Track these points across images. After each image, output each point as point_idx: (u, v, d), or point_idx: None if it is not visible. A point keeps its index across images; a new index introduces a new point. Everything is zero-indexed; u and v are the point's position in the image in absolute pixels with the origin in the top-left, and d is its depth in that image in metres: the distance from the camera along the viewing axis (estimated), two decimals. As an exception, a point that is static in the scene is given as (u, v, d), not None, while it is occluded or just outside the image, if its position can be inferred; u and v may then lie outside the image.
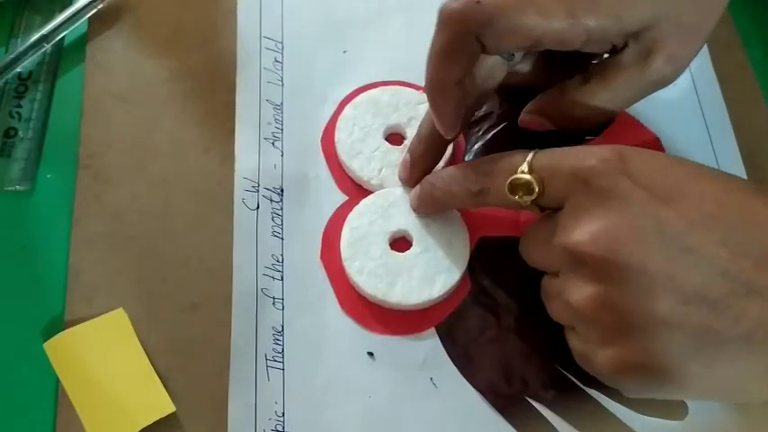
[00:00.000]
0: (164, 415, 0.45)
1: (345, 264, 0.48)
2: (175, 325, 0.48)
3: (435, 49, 0.43)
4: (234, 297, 0.48)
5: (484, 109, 0.54)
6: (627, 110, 0.53)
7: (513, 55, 0.47)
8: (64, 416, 0.45)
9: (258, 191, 0.51)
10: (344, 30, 0.58)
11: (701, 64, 0.57)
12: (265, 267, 0.49)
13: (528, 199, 0.41)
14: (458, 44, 0.42)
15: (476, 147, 0.53)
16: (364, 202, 0.50)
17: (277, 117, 0.54)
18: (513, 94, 0.55)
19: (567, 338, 0.42)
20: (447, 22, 0.42)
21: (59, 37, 0.56)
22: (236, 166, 0.52)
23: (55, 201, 0.51)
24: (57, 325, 0.47)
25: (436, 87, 0.44)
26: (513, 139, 0.53)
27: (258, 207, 0.51)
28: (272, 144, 0.53)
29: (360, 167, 0.51)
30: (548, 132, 0.52)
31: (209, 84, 0.56)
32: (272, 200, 0.51)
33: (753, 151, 0.54)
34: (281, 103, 0.55)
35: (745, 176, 0.53)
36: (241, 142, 0.53)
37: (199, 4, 0.59)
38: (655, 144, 0.53)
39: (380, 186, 0.51)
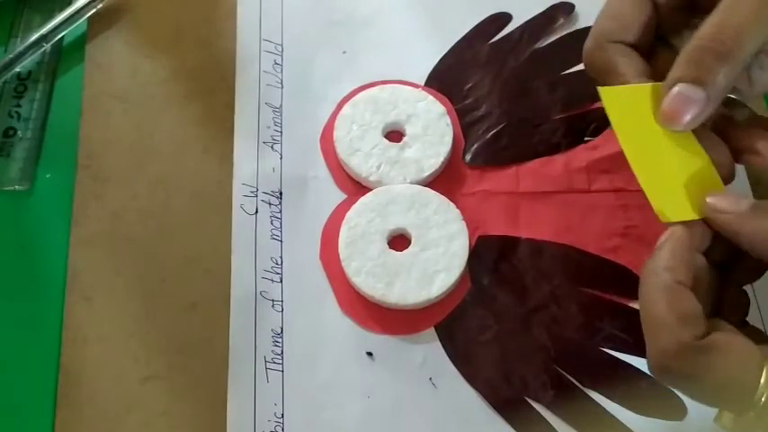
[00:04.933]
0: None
1: (343, 264, 0.48)
2: (174, 325, 0.48)
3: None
4: (232, 302, 0.48)
5: (484, 109, 0.54)
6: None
7: None
8: (63, 416, 0.45)
9: (257, 195, 0.51)
10: (344, 30, 0.58)
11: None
12: (264, 271, 0.49)
13: None
14: None
15: (475, 146, 0.53)
16: (362, 200, 0.50)
17: (276, 120, 0.54)
18: (513, 93, 0.55)
19: None
20: None
21: (59, 37, 0.56)
22: (235, 172, 0.52)
23: (54, 201, 0.51)
24: (55, 325, 0.47)
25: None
26: (514, 139, 0.53)
27: (257, 212, 0.51)
28: (271, 147, 0.53)
29: (358, 164, 0.51)
30: (549, 131, 0.52)
31: (209, 84, 0.56)
32: (270, 203, 0.51)
33: (753, 151, 0.53)
34: (281, 106, 0.55)
35: (745, 177, 0.52)
36: (239, 148, 0.53)
37: (198, 5, 0.59)
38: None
39: (379, 183, 0.51)
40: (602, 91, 0.41)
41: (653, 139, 0.40)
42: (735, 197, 0.36)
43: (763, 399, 0.32)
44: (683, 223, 0.38)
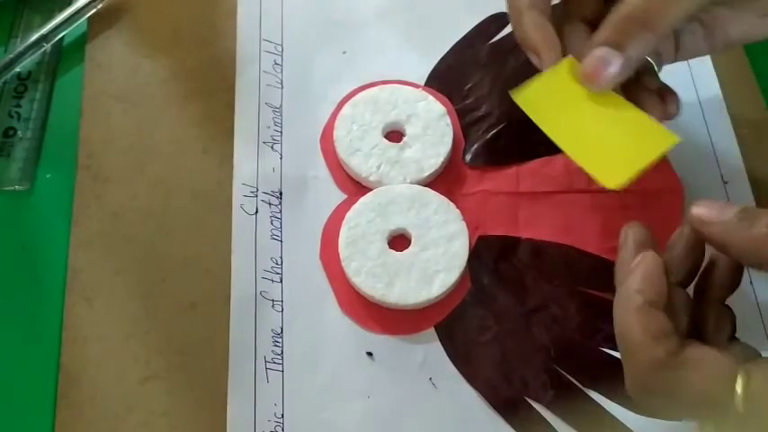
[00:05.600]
0: (671, 146, 0.42)
1: (343, 264, 0.48)
2: (174, 325, 0.48)
3: None
4: (232, 302, 0.48)
5: (484, 109, 0.54)
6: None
7: None
8: (63, 416, 0.45)
9: (257, 195, 0.51)
10: (344, 30, 0.58)
11: (702, 64, 0.56)
12: (264, 271, 0.49)
13: None
14: None
15: (475, 146, 0.53)
16: (362, 200, 0.50)
17: (276, 120, 0.54)
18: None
19: None
20: None
21: (59, 37, 0.56)
22: (235, 172, 0.52)
23: (54, 201, 0.51)
24: (55, 325, 0.47)
25: (515, 11, 0.44)
26: (514, 139, 0.53)
27: (257, 212, 0.51)
28: (272, 148, 0.53)
29: (358, 164, 0.51)
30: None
31: (209, 84, 0.56)
32: (270, 203, 0.51)
33: (753, 152, 0.54)
34: (281, 106, 0.55)
35: (745, 177, 0.53)
36: (239, 148, 0.53)
37: (198, 5, 0.59)
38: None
39: (379, 183, 0.51)
40: (514, 94, 0.44)
41: (577, 113, 0.43)
42: (720, 205, 0.36)
43: (740, 408, 0.32)
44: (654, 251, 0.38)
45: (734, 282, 0.39)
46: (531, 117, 0.44)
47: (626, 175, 0.41)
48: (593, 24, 0.44)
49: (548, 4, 0.45)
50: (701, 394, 0.33)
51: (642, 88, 0.46)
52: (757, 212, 0.35)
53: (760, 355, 0.37)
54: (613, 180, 0.40)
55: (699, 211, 0.36)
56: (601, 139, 0.42)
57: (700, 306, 0.39)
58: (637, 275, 0.36)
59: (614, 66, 0.41)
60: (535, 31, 0.44)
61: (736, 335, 0.39)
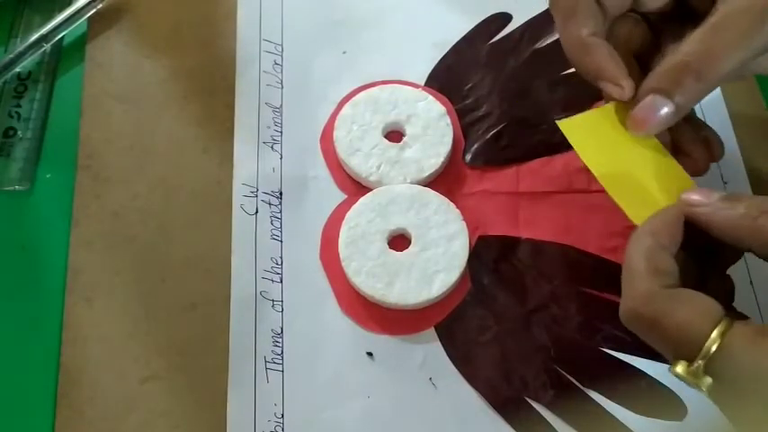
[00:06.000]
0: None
1: (343, 264, 0.48)
2: (174, 325, 0.48)
3: (560, 24, 0.44)
4: (232, 302, 0.48)
5: (484, 109, 0.54)
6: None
7: None
8: (63, 416, 0.45)
9: (257, 195, 0.51)
10: (344, 30, 0.58)
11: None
12: (264, 271, 0.49)
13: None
14: (575, 5, 0.43)
15: (475, 146, 0.53)
16: (362, 200, 0.50)
17: (276, 120, 0.54)
18: (513, 93, 0.55)
19: None
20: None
21: (59, 37, 0.56)
22: (235, 172, 0.52)
23: (54, 201, 0.51)
24: (55, 325, 0.47)
25: (578, 45, 0.43)
26: (514, 139, 0.53)
27: (257, 212, 0.51)
28: (272, 148, 0.53)
29: (358, 164, 0.51)
30: (549, 131, 0.52)
31: (209, 84, 0.56)
32: (270, 203, 0.51)
33: (753, 152, 0.54)
34: (281, 106, 0.55)
35: (745, 177, 0.53)
36: (239, 148, 0.53)
37: (199, 5, 0.59)
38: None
39: (379, 183, 0.51)
40: (561, 124, 0.44)
41: (618, 153, 0.43)
42: (707, 190, 0.39)
43: (712, 348, 0.34)
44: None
45: (736, 253, 0.41)
46: (573, 146, 0.44)
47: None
48: (639, 57, 0.45)
49: (603, 29, 0.44)
50: (682, 327, 0.35)
51: (687, 132, 0.46)
52: (739, 197, 0.38)
53: None
54: (641, 218, 0.40)
55: (687, 195, 0.39)
56: (635, 179, 0.43)
57: (701, 273, 0.40)
58: (654, 219, 0.39)
59: (663, 113, 0.41)
60: (610, 61, 0.42)
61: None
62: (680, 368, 0.35)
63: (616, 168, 0.43)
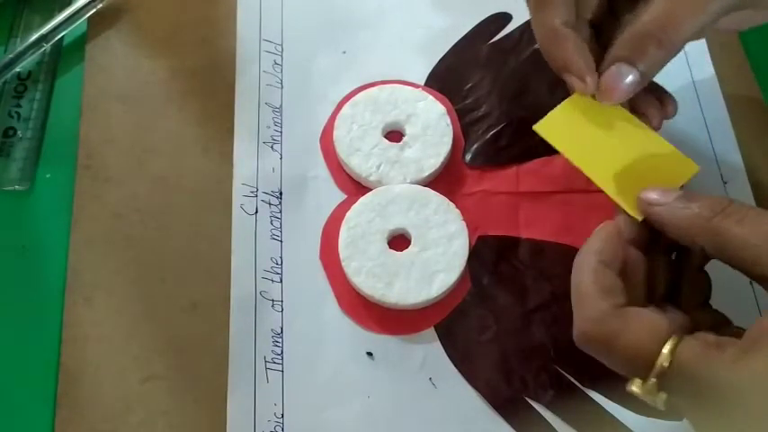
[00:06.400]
0: (694, 174, 0.43)
1: (343, 264, 0.48)
2: (174, 325, 0.48)
3: (533, 7, 0.45)
4: (232, 302, 0.48)
5: (483, 109, 0.54)
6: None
7: None
8: (63, 416, 0.45)
9: (257, 195, 0.51)
10: (344, 30, 0.58)
11: (701, 64, 0.57)
12: (264, 271, 0.49)
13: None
14: None
15: (475, 146, 0.53)
16: (362, 200, 0.50)
17: (276, 120, 0.54)
18: (513, 93, 0.55)
19: None
20: None
21: (59, 37, 0.56)
22: (235, 172, 0.52)
23: (54, 201, 0.51)
24: (55, 325, 0.47)
25: (550, 34, 0.44)
26: (514, 139, 0.53)
27: (257, 212, 0.51)
28: (271, 147, 0.53)
29: (358, 164, 0.51)
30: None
31: (209, 84, 0.56)
32: (270, 203, 0.51)
33: (752, 151, 0.54)
34: (281, 106, 0.55)
35: (745, 177, 0.53)
36: (239, 148, 0.53)
37: (198, 5, 0.59)
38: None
39: (379, 183, 0.51)
40: (537, 128, 0.45)
41: (599, 139, 0.44)
42: (665, 190, 0.39)
43: (663, 365, 0.34)
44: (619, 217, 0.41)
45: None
46: (558, 148, 0.44)
47: None
48: (596, 25, 0.45)
49: (576, 20, 0.45)
50: (632, 347, 0.35)
51: (640, 93, 0.46)
52: (693, 196, 0.38)
53: (730, 322, 0.39)
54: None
55: (645, 195, 0.39)
56: (626, 168, 0.43)
57: (679, 270, 0.41)
58: (594, 238, 0.40)
59: (629, 81, 0.42)
60: (577, 55, 0.43)
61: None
62: (635, 386, 0.35)
63: (603, 159, 0.43)
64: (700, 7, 0.41)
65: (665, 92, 0.47)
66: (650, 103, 0.46)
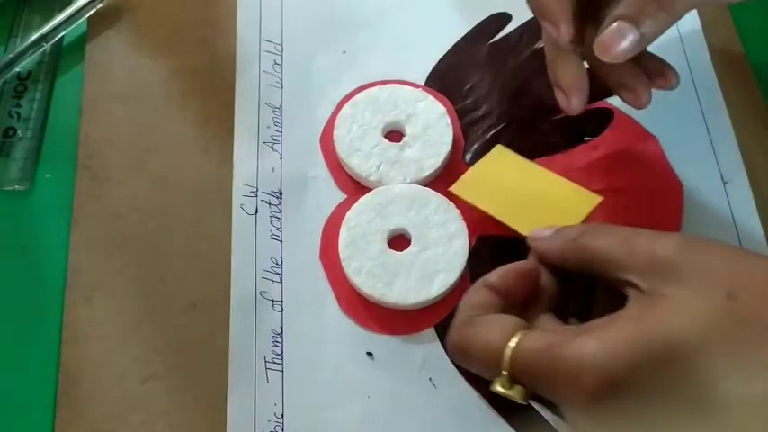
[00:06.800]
0: (595, 206, 0.47)
1: (343, 263, 0.48)
2: (174, 325, 0.48)
3: None
4: (232, 302, 0.48)
5: (483, 109, 0.54)
6: (624, 110, 0.53)
7: None
8: (63, 416, 0.45)
9: (257, 195, 0.51)
10: (344, 30, 0.58)
11: (701, 64, 0.57)
12: (264, 271, 0.49)
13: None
14: None
15: (475, 146, 0.53)
16: (362, 200, 0.50)
17: (276, 120, 0.54)
18: (512, 93, 0.55)
19: None
20: None
21: (59, 37, 0.56)
22: (235, 172, 0.52)
23: (54, 201, 0.51)
24: (55, 325, 0.47)
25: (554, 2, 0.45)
26: (513, 139, 0.53)
27: (257, 212, 0.51)
28: (271, 147, 0.53)
29: (358, 164, 0.51)
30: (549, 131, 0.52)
31: (209, 84, 0.56)
32: (270, 203, 0.51)
33: (752, 151, 0.54)
34: (281, 106, 0.55)
35: (745, 177, 0.53)
36: (239, 148, 0.53)
37: (199, 5, 0.59)
38: (653, 144, 0.53)
39: (379, 183, 0.51)
40: (453, 190, 0.50)
41: (515, 190, 0.49)
42: (545, 228, 0.42)
43: (507, 353, 0.36)
44: None
45: None
46: (473, 203, 0.49)
47: None
48: None
49: None
50: (484, 347, 0.37)
51: (627, 67, 0.47)
52: (563, 228, 0.41)
53: None
54: None
55: (531, 234, 0.43)
56: (537, 211, 0.48)
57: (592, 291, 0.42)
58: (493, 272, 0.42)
59: (628, 41, 0.42)
60: (555, 2, 0.45)
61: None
62: (496, 384, 0.37)
63: (516, 205, 0.48)
64: None
65: (665, 63, 0.48)
66: (638, 78, 0.47)
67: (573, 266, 0.40)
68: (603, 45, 0.43)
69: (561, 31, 0.45)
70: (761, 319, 0.33)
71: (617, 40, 0.42)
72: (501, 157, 0.51)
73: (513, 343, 0.36)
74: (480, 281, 0.41)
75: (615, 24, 0.43)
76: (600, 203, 0.47)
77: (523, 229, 0.45)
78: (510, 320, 0.38)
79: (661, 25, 0.43)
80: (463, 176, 0.50)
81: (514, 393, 0.36)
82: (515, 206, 0.48)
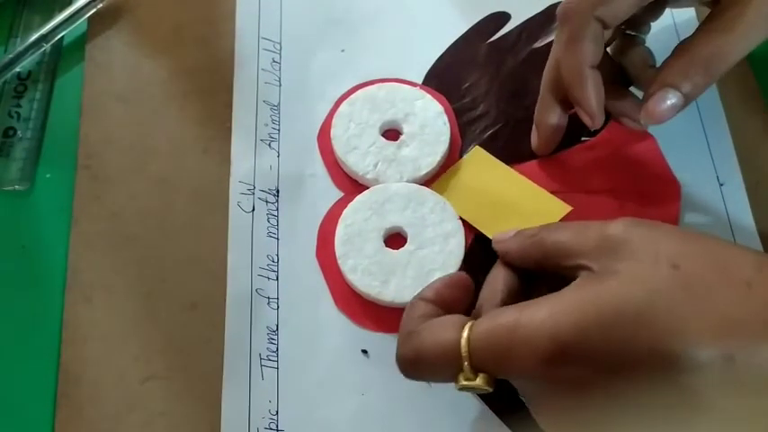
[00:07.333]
0: (564, 214, 0.49)
1: (339, 261, 0.48)
2: (174, 325, 0.48)
3: (564, 43, 0.47)
4: (228, 299, 0.48)
5: (481, 108, 0.54)
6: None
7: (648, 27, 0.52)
8: (63, 416, 0.46)
9: (254, 193, 0.52)
10: (342, 29, 0.58)
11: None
12: (260, 268, 0.49)
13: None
14: (583, 31, 0.46)
15: (472, 145, 0.53)
16: (359, 198, 0.50)
17: (274, 118, 0.54)
18: (511, 93, 0.55)
19: None
20: (567, 15, 0.46)
21: (59, 36, 0.57)
22: (232, 170, 0.52)
23: (54, 200, 0.52)
24: (55, 325, 0.48)
25: (576, 75, 0.47)
26: (511, 139, 0.53)
27: (254, 209, 0.51)
28: (269, 145, 0.53)
29: (355, 162, 0.52)
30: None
31: (209, 84, 0.56)
32: (267, 201, 0.52)
33: (749, 152, 0.53)
34: (279, 104, 0.55)
35: (740, 179, 0.53)
36: (237, 145, 0.53)
37: (198, 4, 0.59)
38: (650, 145, 0.53)
39: (376, 181, 0.51)
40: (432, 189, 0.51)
41: (488, 194, 0.51)
42: (508, 231, 0.44)
43: (463, 343, 0.37)
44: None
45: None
46: (450, 202, 0.50)
47: None
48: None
49: (601, 54, 0.47)
50: (437, 346, 0.38)
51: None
52: (524, 230, 0.43)
53: None
54: None
55: (494, 237, 0.45)
56: (507, 214, 0.50)
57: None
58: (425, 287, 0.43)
59: (671, 104, 0.46)
60: (593, 95, 0.47)
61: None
62: (460, 380, 0.38)
63: (488, 209, 0.50)
64: (747, 38, 0.44)
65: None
66: (638, 108, 0.48)
67: (533, 263, 0.42)
68: (650, 112, 0.46)
69: (595, 123, 0.48)
70: (702, 284, 0.34)
71: (664, 108, 0.46)
72: (478, 159, 0.52)
73: (465, 333, 0.37)
74: (414, 297, 0.42)
75: (661, 92, 0.45)
76: (602, 205, 0.48)
77: (490, 233, 0.46)
78: (457, 317, 0.39)
79: (703, 88, 0.46)
80: (442, 176, 0.52)
81: (480, 382, 0.37)
82: (485, 209, 0.50)
